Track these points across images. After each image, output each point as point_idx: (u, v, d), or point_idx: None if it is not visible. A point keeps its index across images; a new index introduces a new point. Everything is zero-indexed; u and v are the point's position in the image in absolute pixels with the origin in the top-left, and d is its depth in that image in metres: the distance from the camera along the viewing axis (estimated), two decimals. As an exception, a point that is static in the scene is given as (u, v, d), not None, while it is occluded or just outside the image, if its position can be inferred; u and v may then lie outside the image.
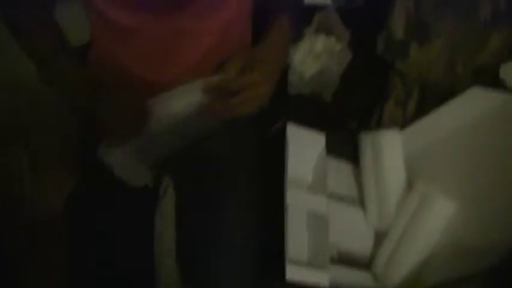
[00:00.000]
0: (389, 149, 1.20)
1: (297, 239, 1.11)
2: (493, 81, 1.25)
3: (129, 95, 1.13)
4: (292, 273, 1.05)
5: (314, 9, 1.43)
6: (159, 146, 1.14)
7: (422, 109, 1.33)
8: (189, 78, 1.16)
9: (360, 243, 1.20)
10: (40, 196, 1.72)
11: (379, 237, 1.19)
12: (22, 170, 1.76)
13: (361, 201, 1.24)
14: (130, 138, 1.11)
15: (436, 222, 1.10)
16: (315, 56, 1.38)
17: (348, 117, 1.44)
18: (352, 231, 1.20)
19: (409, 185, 1.18)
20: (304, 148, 1.20)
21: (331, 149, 1.23)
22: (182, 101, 1.07)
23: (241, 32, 1.25)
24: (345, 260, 1.18)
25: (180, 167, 1.27)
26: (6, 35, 1.22)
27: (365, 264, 1.20)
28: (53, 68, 1.12)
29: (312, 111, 1.41)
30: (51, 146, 1.76)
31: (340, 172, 1.26)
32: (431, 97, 1.34)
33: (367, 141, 1.25)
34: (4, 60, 1.59)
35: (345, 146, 1.29)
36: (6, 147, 1.77)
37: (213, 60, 1.19)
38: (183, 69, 1.18)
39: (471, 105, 1.18)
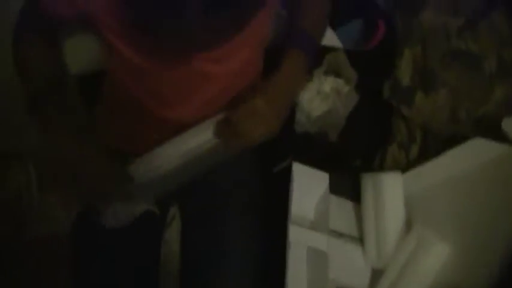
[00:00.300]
0: (391, 191, 1.22)
1: (297, 274, 1.13)
2: (495, 132, 1.28)
3: (110, 159, 1.10)
4: (292, 307, 1.07)
5: (324, 50, 1.45)
6: (167, 183, 1.16)
7: (425, 154, 1.35)
8: (202, 113, 1.19)
9: (358, 279, 1.21)
10: (48, 215, 1.74)
11: (377, 275, 1.20)
12: (30, 189, 1.78)
13: (360, 239, 1.25)
14: (110, 203, 1.13)
15: (431, 264, 1.12)
16: (323, 97, 1.41)
17: (352, 157, 1.46)
18: (351, 267, 1.21)
19: (408, 226, 1.20)
20: (309, 186, 1.23)
21: (335, 187, 1.26)
22: (193, 143, 1.09)
23: (256, 68, 1.28)
24: (343, 296, 1.21)
25: (188, 197, 1.29)
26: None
27: (362, 301, 1.23)
28: (42, 111, 1.08)
29: (317, 149, 1.43)
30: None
31: (341, 210, 1.27)
32: (434, 143, 1.36)
33: (369, 182, 1.26)
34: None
35: (347, 185, 1.30)
36: (15, 165, 1.79)
37: (227, 95, 1.22)
38: (197, 106, 1.20)
39: (472, 155, 1.20)
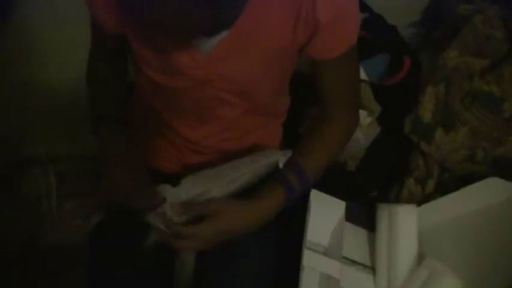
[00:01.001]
0: (405, 223, 1.24)
1: (309, 299, 1.15)
2: (511, 172, 1.31)
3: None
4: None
5: None
6: None
7: (441, 189, 1.39)
8: (223, 137, 1.23)
9: (367, 308, 1.23)
10: (65, 223, 1.75)
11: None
12: (50, 196, 1.79)
13: (373, 268, 1.26)
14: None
15: (441, 298, 1.14)
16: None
17: (369, 187, 1.48)
18: (362, 296, 1.23)
19: (420, 258, 1.21)
20: (325, 213, 1.25)
21: (351, 215, 1.28)
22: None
23: (279, 99, 1.30)
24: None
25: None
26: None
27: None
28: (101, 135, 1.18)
29: (336, 177, 1.43)
30: (80, 174, 1.81)
31: (356, 238, 1.29)
32: (450, 179, 1.40)
33: (384, 212, 1.28)
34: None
35: (363, 214, 1.32)
36: (36, 172, 1.81)
37: (248, 122, 1.25)
38: (217, 129, 1.23)
39: (487, 193, 1.23)
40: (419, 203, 1.30)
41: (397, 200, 1.42)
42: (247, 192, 1.14)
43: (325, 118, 1.17)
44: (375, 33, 1.57)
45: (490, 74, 1.36)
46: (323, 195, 1.26)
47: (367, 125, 1.43)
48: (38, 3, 1.42)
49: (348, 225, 1.29)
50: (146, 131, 1.30)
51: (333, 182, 1.35)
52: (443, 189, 1.38)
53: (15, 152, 1.79)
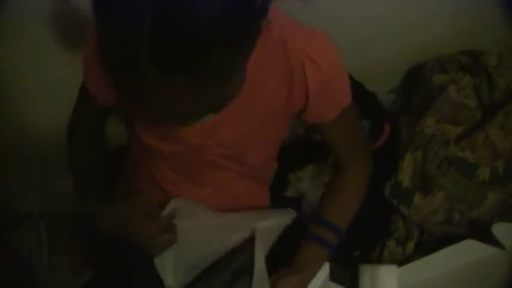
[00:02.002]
0: (387, 283, 1.29)
1: None
2: (486, 235, 1.37)
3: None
4: None
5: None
6: None
7: (420, 250, 1.43)
8: (217, 199, 1.27)
9: None
10: (57, 279, 1.74)
11: None
12: (41, 250, 1.78)
13: (356, 327, 1.30)
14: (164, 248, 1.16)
15: None
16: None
17: (352, 248, 1.50)
18: None
19: (401, 317, 1.26)
20: None
21: (334, 275, 1.29)
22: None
23: (270, 161, 1.35)
24: None
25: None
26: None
27: None
28: (86, 196, 1.21)
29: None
30: (70, 231, 1.81)
31: (340, 298, 1.32)
32: (429, 241, 1.45)
33: (367, 273, 1.33)
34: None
35: (346, 274, 1.36)
36: (27, 226, 1.80)
37: (241, 185, 1.30)
38: (210, 192, 1.25)
39: (464, 254, 1.30)
40: (400, 263, 1.35)
41: (379, 260, 1.46)
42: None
43: (339, 169, 1.22)
44: (356, 101, 1.61)
45: (465, 141, 1.42)
46: (308, 256, 1.30)
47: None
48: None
49: (332, 285, 1.31)
50: (142, 182, 1.32)
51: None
52: (423, 249, 1.43)
53: (6, 208, 1.80)
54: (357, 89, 1.61)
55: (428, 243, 1.45)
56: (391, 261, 1.40)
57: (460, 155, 1.39)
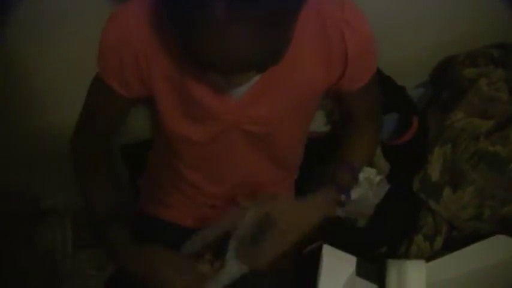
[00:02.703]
0: (414, 279, 1.26)
1: None
2: (516, 231, 1.34)
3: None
4: None
5: None
6: None
7: (449, 246, 1.41)
8: (242, 191, 1.26)
9: None
10: (80, 273, 1.75)
11: None
12: (65, 245, 1.79)
13: (382, 323, 1.28)
14: None
15: None
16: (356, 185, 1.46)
17: (379, 243, 1.50)
18: None
19: (428, 314, 1.23)
20: (337, 268, 1.26)
21: (361, 270, 1.27)
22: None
23: (292, 157, 1.34)
24: None
25: None
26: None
27: None
28: (106, 235, 1.11)
29: (347, 233, 1.47)
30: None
31: (366, 293, 1.31)
32: (458, 237, 1.42)
33: (394, 268, 1.29)
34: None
35: (373, 269, 1.32)
36: (52, 221, 1.82)
37: (263, 174, 1.29)
38: (235, 183, 1.26)
39: (494, 251, 1.26)
40: (427, 260, 1.31)
41: (406, 256, 1.44)
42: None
43: (355, 125, 1.25)
44: (384, 94, 1.60)
45: (496, 135, 1.39)
46: (335, 250, 1.28)
47: (376, 183, 1.46)
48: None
49: (358, 280, 1.30)
50: (164, 185, 1.33)
51: (344, 238, 1.37)
52: (452, 246, 1.40)
53: (33, 201, 1.81)
54: (386, 82, 1.61)
55: (458, 240, 1.43)
56: (419, 257, 1.38)
57: (490, 150, 1.37)
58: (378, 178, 1.47)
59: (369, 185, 1.44)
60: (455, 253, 1.31)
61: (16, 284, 1.67)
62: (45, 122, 1.59)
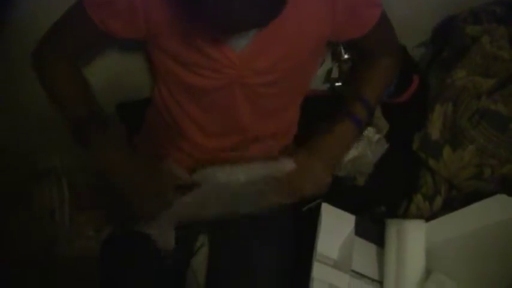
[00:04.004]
0: (414, 238, 1.25)
1: (317, 311, 1.17)
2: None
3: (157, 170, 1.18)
4: None
5: None
6: (209, 208, 1.21)
7: (448, 206, 1.40)
8: (246, 147, 1.25)
9: (374, 321, 1.24)
10: (78, 234, 1.75)
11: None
12: (63, 207, 1.79)
13: (380, 282, 1.28)
14: (157, 214, 1.18)
15: (448, 312, 1.16)
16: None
17: (378, 202, 1.49)
18: (370, 308, 1.25)
19: (427, 273, 1.23)
20: (335, 226, 1.27)
21: (360, 229, 1.30)
22: (256, 175, 1.15)
23: (291, 114, 1.33)
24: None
25: (217, 227, 1.32)
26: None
27: None
28: (86, 135, 1.14)
29: (345, 192, 1.46)
30: (92, 187, 1.82)
31: (365, 252, 1.31)
32: (458, 197, 1.41)
33: (393, 227, 1.29)
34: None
35: (372, 229, 1.33)
36: (50, 182, 1.81)
37: (266, 128, 1.28)
38: (235, 136, 1.26)
39: (494, 210, 1.25)
40: (427, 219, 1.31)
41: (405, 216, 1.43)
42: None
43: (371, 58, 1.29)
44: None
45: (497, 94, 1.37)
46: (333, 209, 1.29)
47: (375, 142, 1.45)
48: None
49: (357, 239, 1.30)
50: (161, 143, 1.33)
51: (342, 197, 1.37)
52: (451, 205, 1.39)
53: (30, 163, 1.80)
54: None
55: (457, 200, 1.41)
56: (418, 217, 1.37)
57: (492, 108, 1.35)
58: (377, 137, 1.45)
59: (368, 143, 1.43)
60: (455, 213, 1.30)
61: (16, 245, 1.67)
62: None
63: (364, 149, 1.44)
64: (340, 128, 1.21)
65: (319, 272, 1.20)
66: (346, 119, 1.22)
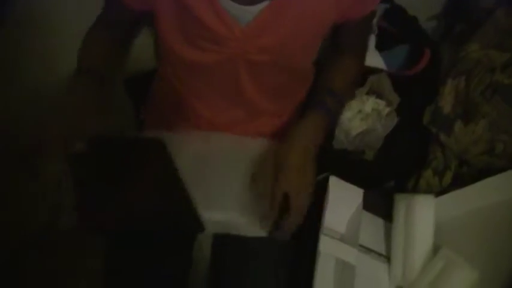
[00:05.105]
0: (422, 213, 1.25)
1: (324, 285, 1.15)
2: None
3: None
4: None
5: (368, 71, 1.48)
6: None
7: (458, 182, 1.38)
8: (239, 119, 1.24)
9: (381, 296, 1.24)
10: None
11: (401, 294, 1.23)
12: (70, 179, 1.79)
13: (388, 257, 1.28)
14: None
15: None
16: (364, 116, 1.43)
17: (387, 177, 1.49)
18: (377, 283, 1.24)
19: (436, 249, 1.22)
20: (343, 200, 1.26)
21: (368, 203, 1.29)
22: None
23: (299, 85, 1.31)
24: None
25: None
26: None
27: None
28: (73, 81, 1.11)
29: (354, 166, 1.45)
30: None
31: (372, 226, 1.30)
32: (468, 172, 1.40)
33: (402, 202, 1.29)
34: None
35: (380, 203, 1.33)
36: (51, 156, 1.82)
37: (272, 103, 1.27)
38: (243, 112, 1.26)
39: (505, 186, 1.23)
40: (436, 195, 1.30)
41: (415, 191, 1.42)
42: None
43: (341, 53, 1.27)
44: (395, 25, 1.58)
45: (511, 67, 1.35)
46: (342, 182, 1.27)
47: (385, 115, 1.43)
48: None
49: (365, 213, 1.29)
50: (168, 116, 1.32)
51: (351, 171, 1.36)
52: (462, 181, 1.38)
53: (37, 134, 1.80)
54: (397, 12, 1.58)
55: (468, 175, 1.40)
56: (427, 192, 1.35)
57: (506, 82, 1.33)
58: (387, 110, 1.44)
59: (378, 116, 1.42)
60: (465, 188, 1.29)
61: (23, 215, 1.67)
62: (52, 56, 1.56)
63: (374, 122, 1.43)
64: (311, 117, 1.17)
65: (326, 246, 1.19)
66: (316, 108, 1.18)
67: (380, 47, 1.55)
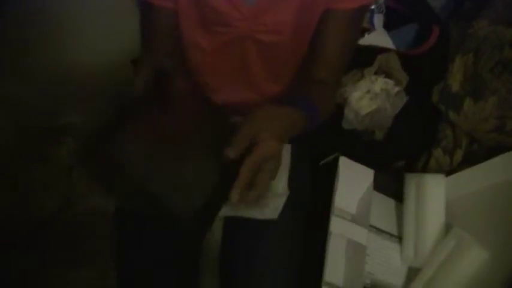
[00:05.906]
0: (433, 192, 1.25)
1: (335, 265, 1.16)
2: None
3: None
4: (327, 296, 1.11)
5: (376, 50, 1.48)
6: None
7: (469, 160, 1.38)
8: (245, 99, 1.24)
9: (393, 276, 1.24)
10: (95, 191, 1.76)
11: (412, 273, 1.24)
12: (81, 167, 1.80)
13: (399, 237, 1.28)
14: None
15: (468, 267, 1.15)
16: (373, 96, 1.42)
17: (397, 156, 1.48)
18: (388, 264, 1.25)
19: (447, 228, 1.22)
20: (353, 180, 1.26)
21: (378, 184, 1.29)
22: None
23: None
24: (377, 290, 1.24)
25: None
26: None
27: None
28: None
29: (363, 146, 1.45)
30: None
31: (383, 207, 1.30)
32: (479, 150, 1.40)
33: (412, 182, 1.29)
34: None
35: (391, 183, 1.33)
36: (68, 139, 1.82)
37: (281, 85, 1.26)
38: (254, 95, 1.25)
39: (516, 164, 1.23)
40: (447, 174, 1.30)
41: (425, 170, 1.41)
42: None
43: (313, 79, 1.19)
44: (403, 3, 1.57)
45: (520, 44, 1.34)
46: (352, 162, 1.27)
47: (394, 95, 1.43)
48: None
49: (376, 194, 1.29)
50: None
51: (361, 151, 1.36)
52: (472, 159, 1.38)
53: (50, 119, 1.81)
54: None
55: (478, 153, 1.40)
56: (438, 171, 1.35)
57: (515, 59, 1.32)
58: (396, 89, 1.43)
59: (387, 96, 1.41)
60: (476, 167, 1.29)
61: (33, 197, 1.69)
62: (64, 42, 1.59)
63: (383, 102, 1.42)
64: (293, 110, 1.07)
65: (337, 226, 1.19)
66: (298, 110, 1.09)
67: (388, 26, 1.55)
